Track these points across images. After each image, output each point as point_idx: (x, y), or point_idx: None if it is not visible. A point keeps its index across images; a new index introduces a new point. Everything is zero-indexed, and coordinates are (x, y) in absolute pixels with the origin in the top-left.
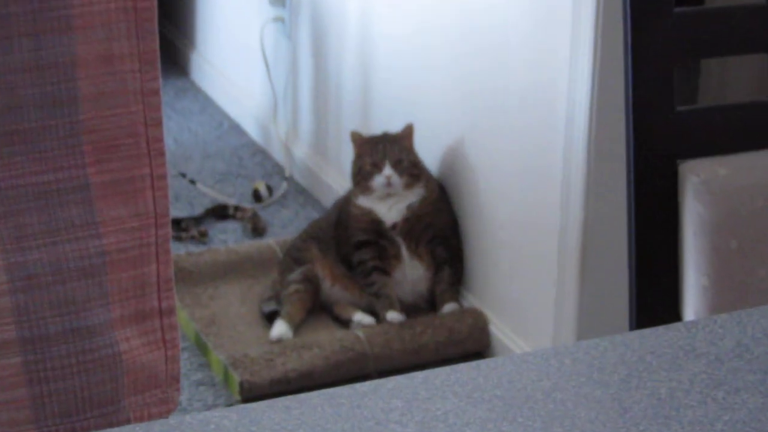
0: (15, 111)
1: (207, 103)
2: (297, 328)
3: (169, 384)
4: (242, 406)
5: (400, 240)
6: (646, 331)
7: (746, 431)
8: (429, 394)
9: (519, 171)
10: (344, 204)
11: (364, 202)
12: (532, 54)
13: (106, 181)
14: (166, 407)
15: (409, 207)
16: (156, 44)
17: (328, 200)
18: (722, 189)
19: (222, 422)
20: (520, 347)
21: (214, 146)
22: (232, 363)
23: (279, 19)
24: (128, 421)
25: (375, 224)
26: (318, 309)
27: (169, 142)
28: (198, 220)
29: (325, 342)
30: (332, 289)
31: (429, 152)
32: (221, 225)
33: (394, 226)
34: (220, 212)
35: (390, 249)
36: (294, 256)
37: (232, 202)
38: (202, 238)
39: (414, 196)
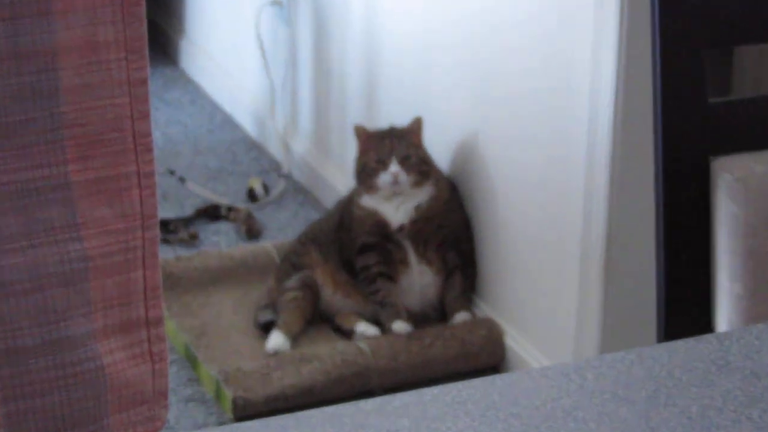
0: None
1: (198, 94)
2: (295, 339)
3: (157, 400)
4: (235, 425)
5: (407, 243)
6: (676, 344)
7: None
8: (439, 412)
9: (537, 168)
10: (347, 204)
11: (368, 202)
12: (552, 41)
13: (89, 179)
14: (152, 426)
15: (418, 207)
16: (144, 30)
17: (330, 200)
18: (758, 187)
19: None
20: (538, 361)
21: (206, 141)
22: (225, 378)
23: (277, 3)
24: None
25: (380, 226)
26: (318, 319)
27: (156, 136)
28: (188, 221)
29: (326, 355)
30: (333, 296)
31: (439, 148)
32: (213, 227)
33: (401, 229)
34: (211, 213)
35: (396, 253)
36: (292, 260)
37: (224, 201)
38: (193, 240)
39: (423, 195)
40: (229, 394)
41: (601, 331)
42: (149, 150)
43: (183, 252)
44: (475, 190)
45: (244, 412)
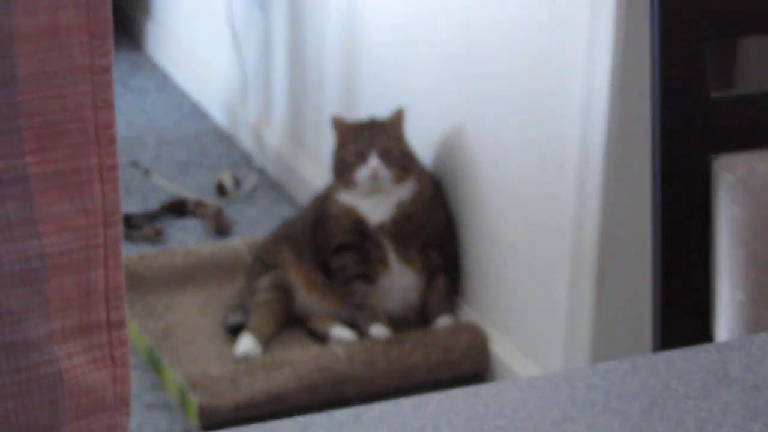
0: None
1: (165, 82)
2: (266, 343)
3: (118, 407)
4: None
5: (387, 243)
6: (673, 353)
7: None
8: (419, 423)
9: (527, 165)
10: (323, 200)
11: (346, 198)
12: (543, 29)
13: (47, 172)
14: None
15: (399, 205)
16: (108, 13)
17: (304, 196)
18: (762, 189)
19: None
20: (525, 370)
21: (173, 131)
22: (191, 383)
23: None
24: None
25: (358, 224)
26: (291, 322)
27: (120, 126)
28: (153, 216)
29: (299, 360)
30: (308, 298)
31: (422, 142)
32: (179, 223)
33: (380, 227)
34: (178, 208)
35: (375, 253)
36: (264, 259)
37: (192, 196)
38: (158, 237)
39: (404, 192)
40: (195, 400)
41: (592, 339)
42: (112, 141)
43: (147, 249)
44: (459, 187)
45: (211, 420)
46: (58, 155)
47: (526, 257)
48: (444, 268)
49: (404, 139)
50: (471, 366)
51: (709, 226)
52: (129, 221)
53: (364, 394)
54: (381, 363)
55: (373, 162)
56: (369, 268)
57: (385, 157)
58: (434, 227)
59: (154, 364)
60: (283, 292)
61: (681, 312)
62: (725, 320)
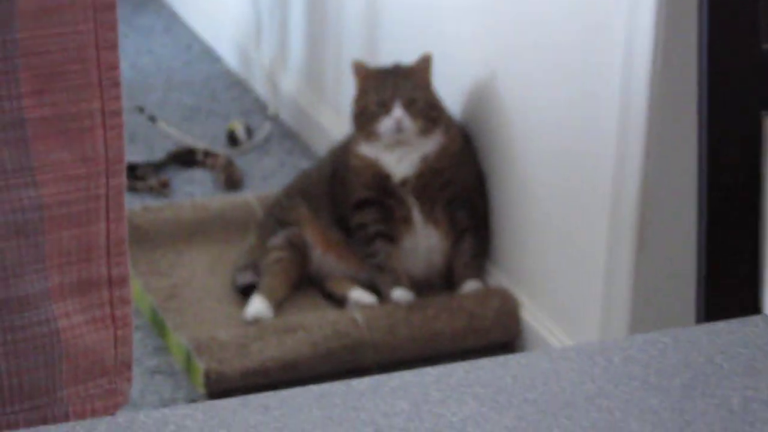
0: None
1: (172, 21)
2: (279, 306)
3: (119, 372)
4: (209, 402)
5: (411, 200)
6: (717, 326)
7: None
8: (443, 395)
9: (563, 117)
10: (342, 152)
11: (367, 150)
12: None
13: (46, 116)
14: (113, 401)
15: (424, 159)
16: None
17: (322, 147)
18: None
19: (183, 422)
20: (558, 340)
21: (181, 75)
22: (196, 347)
23: None
24: (67, 417)
25: (380, 179)
26: (305, 283)
27: (124, 68)
28: (158, 166)
29: (314, 325)
30: (324, 258)
31: (450, 90)
32: (187, 174)
33: (404, 182)
34: (185, 158)
35: (398, 211)
36: (277, 215)
37: (201, 145)
38: (163, 189)
39: (430, 145)
40: (200, 366)
41: (631, 308)
42: (116, 84)
43: (152, 202)
44: (490, 140)
45: (218, 386)
46: (57, 98)
47: (560, 218)
48: (472, 228)
49: (431, 88)
50: (499, 334)
51: (758, 188)
52: (132, 171)
53: (384, 363)
54: (402, 329)
55: (397, 112)
56: (391, 226)
57: (410, 107)
58: (462, 184)
59: (157, 327)
60: (298, 250)
61: (726, 281)
62: None
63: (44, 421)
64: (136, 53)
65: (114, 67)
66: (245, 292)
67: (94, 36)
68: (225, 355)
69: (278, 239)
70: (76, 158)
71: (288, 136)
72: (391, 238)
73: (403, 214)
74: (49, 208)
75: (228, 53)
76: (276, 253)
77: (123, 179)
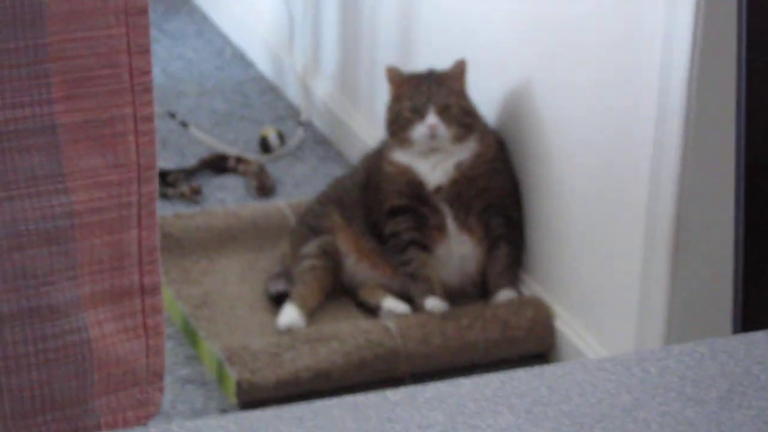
0: None
1: (205, 25)
2: (311, 314)
3: (150, 382)
4: (241, 413)
5: (445, 207)
6: (755, 335)
7: None
8: (477, 406)
9: (599, 124)
10: (376, 159)
11: (401, 157)
12: None
13: (77, 121)
14: (145, 411)
15: (459, 166)
16: None
17: (355, 154)
18: None
19: None
20: (594, 350)
21: (213, 80)
22: (229, 357)
23: None
24: (98, 427)
25: (414, 186)
26: (338, 292)
27: (156, 73)
28: (190, 173)
29: (347, 334)
30: (357, 266)
31: (485, 97)
32: (219, 180)
33: (438, 190)
34: (217, 164)
35: (432, 218)
36: (310, 223)
37: (233, 151)
38: (195, 196)
39: (465, 152)
40: (233, 375)
41: (667, 318)
42: (148, 90)
43: (183, 209)
44: (525, 148)
45: (250, 397)
46: (89, 104)
47: (595, 227)
48: (506, 236)
49: (466, 94)
50: (534, 344)
51: None
52: (164, 178)
53: (417, 373)
54: (436, 339)
55: (431, 119)
56: (425, 234)
57: (445, 113)
58: (496, 192)
59: (189, 335)
60: (331, 259)
61: (763, 291)
62: None
63: (75, 431)
64: (168, 58)
65: (146, 72)
66: (278, 301)
67: (126, 40)
68: (257, 365)
69: (311, 247)
70: (107, 164)
71: (321, 142)
72: (425, 247)
73: (436, 222)
74: (81, 215)
75: (260, 58)
76: (309, 262)
77: (155, 186)
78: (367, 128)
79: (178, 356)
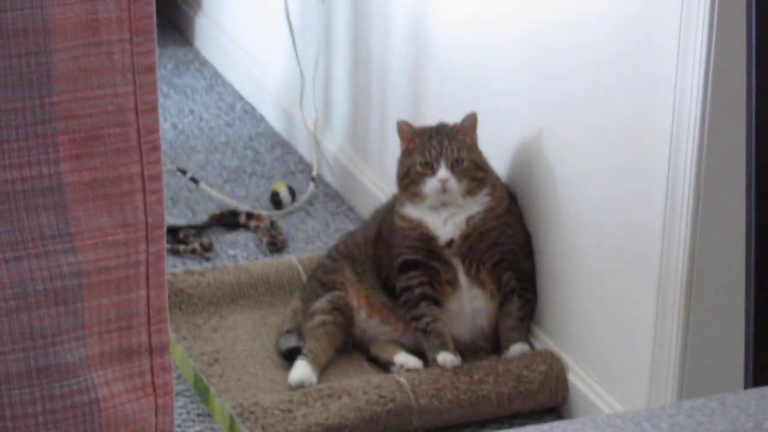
0: None
1: (215, 80)
2: (323, 370)
3: None
4: None
5: (457, 262)
6: (766, 390)
7: None
8: None
9: (610, 178)
10: (387, 214)
11: (412, 212)
12: (631, 29)
13: (84, 181)
14: None
15: (470, 220)
16: (152, 7)
17: (366, 209)
18: None
19: None
20: (606, 403)
21: (224, 135)
22: (240, 413)
23: None
24: None
25: (426, 241)
26: (350, 347)
27: (165, 129)
28: (200, 229)
29: (359, 389)
30: (369, 322)
31: (496, 151)
32: (230, 236)
33: (449, 244)
34: (228, 220)
35: (444, 273)
36: (321, 278)
37: (244, 207)
38: (206, 252)
39: (476, 206)
40: None
41: (680, 373)
42: (156, 148)
43: (194, 265)
44: (536, 202)
45: None
46: (96, 163)
47: (607, 281)
48: (518, 290)
49: (477, 148)
50: (547, 398)
51: None
52: (174, 234)
53: (430, 428)
54: (448, 394)
55: (443, 173)
56: (437, 289)
57: (456, 167)
58: (508, 246)
59: (200, 392)
60: (342, 314)
61: None
62: None
63: None
64: (178, 114)
65: (154, 130)
66: (289, 357)
67: (133, 99)
68: (269, 421)
69: (322, 303)
70: (115, 224)
71: (332, 197)
72: (437, 301)
73: (448, 276)
74: (89, 274)
75: (271, 113)
76: (320, 317)
77: (163, 245)
78: (378, 183)
79: (190, 413)
